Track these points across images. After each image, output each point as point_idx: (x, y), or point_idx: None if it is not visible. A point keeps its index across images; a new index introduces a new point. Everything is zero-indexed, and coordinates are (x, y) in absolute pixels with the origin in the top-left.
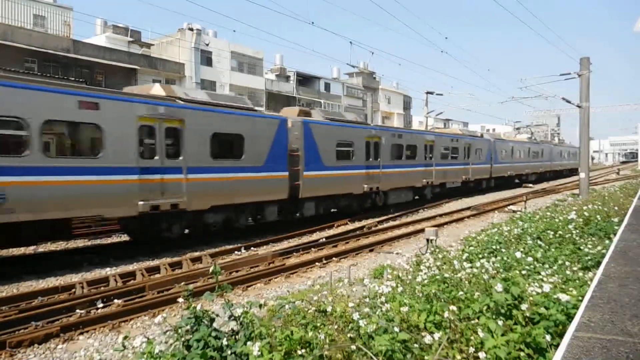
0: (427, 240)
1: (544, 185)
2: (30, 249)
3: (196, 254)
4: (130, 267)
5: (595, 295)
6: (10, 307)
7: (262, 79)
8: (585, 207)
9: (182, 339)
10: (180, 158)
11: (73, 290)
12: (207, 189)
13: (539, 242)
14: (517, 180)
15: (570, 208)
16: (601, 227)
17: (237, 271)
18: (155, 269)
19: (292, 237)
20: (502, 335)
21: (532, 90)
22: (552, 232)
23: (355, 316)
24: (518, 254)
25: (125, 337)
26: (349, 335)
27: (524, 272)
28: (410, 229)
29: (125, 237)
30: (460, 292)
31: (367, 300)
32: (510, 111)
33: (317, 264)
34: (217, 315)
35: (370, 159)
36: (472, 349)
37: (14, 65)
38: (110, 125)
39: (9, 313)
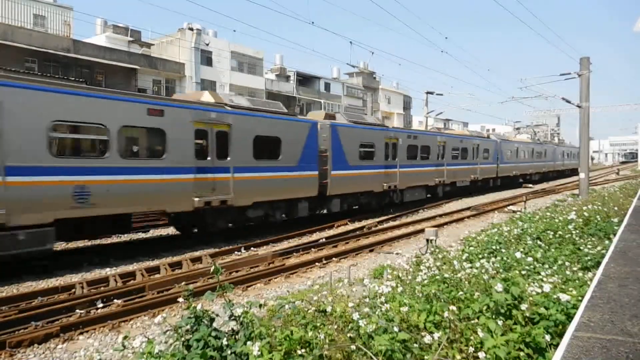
0: (427, 240)
1: (544, 185)
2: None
3: (196, 254)
4: (130, 267)
5: (595, 296)
6: (10, 307)
7: (262, 78)
8: (585, 208)
9: (182, 338)
10: (228, 159)
11: (73, 290)
12: (250, 186)
13: (539, 242)
14: (521, 180)
15: (570, 208)
16: (601, 228)
17: (237, 271)
18: (155, 269)
19: (292, 237)
20: (502, 335)
21: (532, 90)
22: (552, 233)
23: (355, 316)
24: (518, 254)
25: (125, 337)
26: (348, 335)
27: (523, 272)
28: (410, 229)
29: (125, 237)
30: (460, 292)
31: (367, 300)
32: (510, 111)
33: (317, 264)
34: (217, 315)
35: (389, 159)
36: (471, 349)
37: (14, 65)
38: (172, 130)
39: (9, 313)
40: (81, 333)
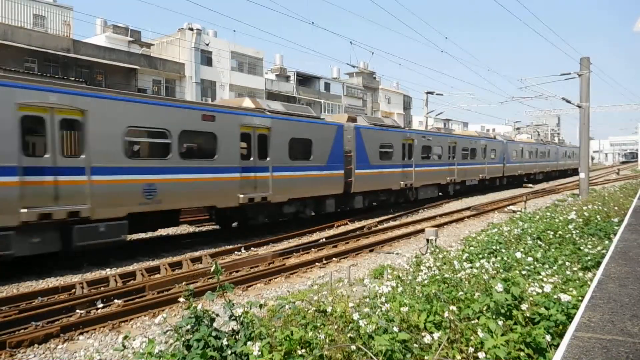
0: (427, 240)
1: (544, 185)
2: None
3: (196, 254)
4: (130, 268)
5: (595, 296)
6: (10, 307)
7: (262, 79)
8: (585, 207)
9: (182, 338)
10: (268, 159)
11: (73, 290)
12: (287, 184)
13: (539, 242)
14: (525, 180)
15: (570, 208)
16: (601, 227)
17: (237, 271)
18: (155, 269)
19: (292, 237)
20: (502, 335)
21: (532, 90)
22: (552, 233)
23: (355, 316)
24: (518, 254)
25: (125, 337)
26: (348, 335)
27: (524, 272)
28: (410, 229)
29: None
30: (461, 292)
31: (367, 300)
32: (510, 111)
33: (317, 264)
34: (218, 315)
35: (406, 159)
36: (472, 349)
37: (14, 65)
38: (221, 133)
39: (9, 313)
40: (81, 333)
